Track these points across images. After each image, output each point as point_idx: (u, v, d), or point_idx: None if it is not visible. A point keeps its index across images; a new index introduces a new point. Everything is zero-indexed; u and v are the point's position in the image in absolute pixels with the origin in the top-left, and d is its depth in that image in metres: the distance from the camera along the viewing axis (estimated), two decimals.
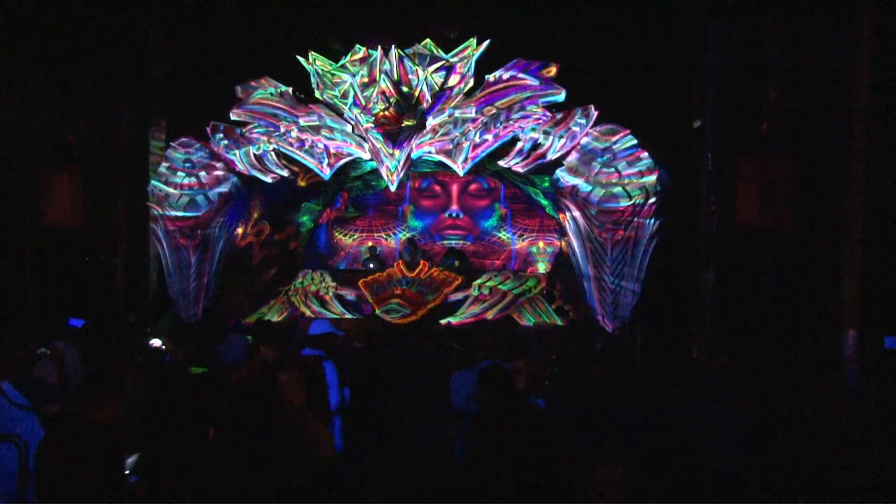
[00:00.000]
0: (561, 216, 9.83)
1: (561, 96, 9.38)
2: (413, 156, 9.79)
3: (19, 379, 4.52)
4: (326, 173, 10.15)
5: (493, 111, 9.49)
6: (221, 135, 10.26)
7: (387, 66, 9.35)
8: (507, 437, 3.67)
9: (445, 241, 14.05)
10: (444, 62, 9.44)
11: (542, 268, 13.35)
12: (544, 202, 11.73)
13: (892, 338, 6.43)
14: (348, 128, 9.84)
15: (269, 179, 10.36)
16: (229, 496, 3.64)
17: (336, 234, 14.36)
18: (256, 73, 10.24)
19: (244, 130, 10.19)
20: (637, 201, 9.09)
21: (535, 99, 9.42)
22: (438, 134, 9.66)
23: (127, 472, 3.91)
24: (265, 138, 10.09)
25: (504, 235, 14.01)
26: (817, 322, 8.68)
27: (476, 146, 9.57)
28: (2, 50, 9.71)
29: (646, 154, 9.18)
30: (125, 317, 10.60)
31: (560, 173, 9.46)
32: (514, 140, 9.52)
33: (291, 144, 10.05)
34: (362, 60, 9.61)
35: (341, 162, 10.13)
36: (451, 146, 9.64)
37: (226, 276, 10.73)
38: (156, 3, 10.61)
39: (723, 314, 9.35)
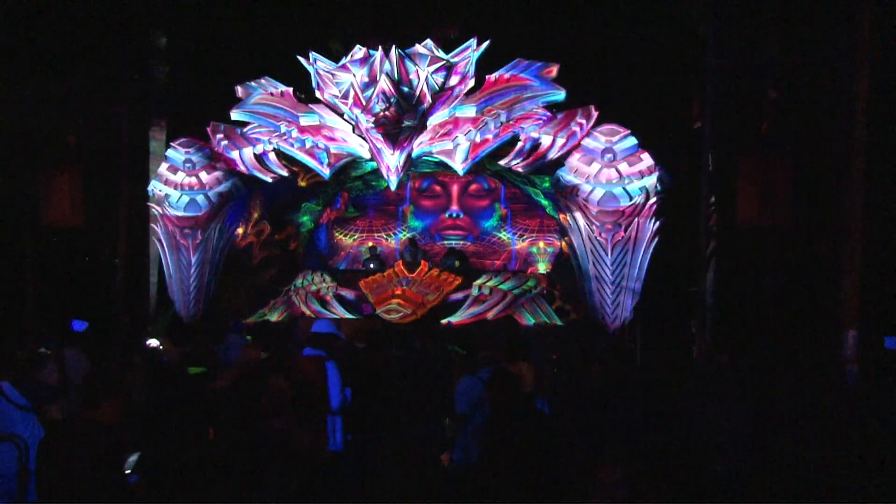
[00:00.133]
0: (561, 216, 9.82)
1: (561, 96, 9.37)
2: (413, 156, 9.78)
3: (19, 379, 4.52)
4: (326, 173, 10.14)
5: (494, 111, 9.49)
6: (221, 135, 10.25)
7: (387, 66, 9.35)
8: (517, 440, 3.67)
9: (445, 242, 14.05)
10: (444, 62, 9.43)
11: (542, 268, 13.34)
12: (544, 202, 11.72)
13: (892, 338, 6.42)
14: (348, 128, 9.83)
15: (269, 179, 10.36)
16: (228, 496, 3.65)
17: (336, 234, 14.35)
18: (256, 73, 10.24)
19: (244, 130, 10.19)
20: (637, 201, 9.09)
21: (535, 99, 9.42)
22: (439, 134, 9.65)
23: (127, 471, 3.91)
24: (265, 138, 10.09)
25: (504, 235, 14.01)
26: (817, 322, 8.67)
27: (476, 146, 9.57)
28: (2, 50, 9.71)
29: (646, 154, 9.18)
30: (124, 317, 10.60)
31: (560, 173, 9.45)
32: (515, 140, 9.51)
33: (291, 144, 10.05)
34: (362, 60, 9.60)
35: (341, 162, 10.12)
36: (451, 146, 9.64)
37: (226, 276, 10.73)
38: (156, 3, 10.61)
39: (723, 314, 9.35)
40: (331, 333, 5.68)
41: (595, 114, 9.32)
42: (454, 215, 14.09)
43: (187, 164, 10.24)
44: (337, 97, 9.75)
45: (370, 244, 13.64)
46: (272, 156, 10.15)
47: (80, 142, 10.47)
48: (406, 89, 9.42)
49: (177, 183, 10.25)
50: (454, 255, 13.24)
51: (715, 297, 9.44)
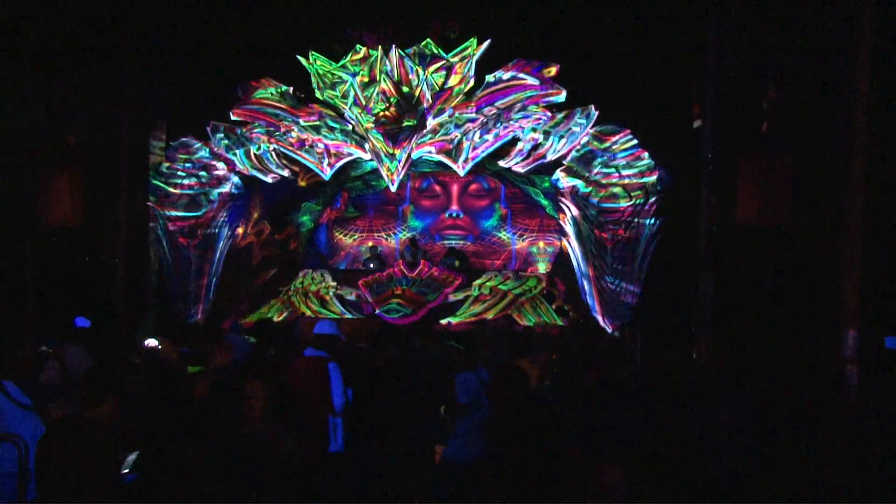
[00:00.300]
0: (561, 216, 9.83)
1: (561, 96, 9.38)
2: (413, 156, 9.79)
3: (22, 378, 4.53)
4: (326, 173, 10.15)
5: (494, 111, 9.49)
6: (221, 135, 10.26)
7: (387, 66, 9.35)
8: (524, 436, 3.68)
9: (445, 241, 14.05)
10: (444, 62, 9.44)
11: (542, 268, 13.35)
12: (544, 202, 11.73)
13: (893, 338, 6.42)
14: (348, 128, 9.83)
15: (269, 179, 10.36)
16: (227, 496, 3.64)
17: (336, 234, 14.35)
18: (256, 73, 10.23)
19: (244, 130, 10.19)
20: (637, 201, 9.09)
21: (535, 99, 9.42)
22: (439, 134, 9.66)
23: (126, 470, 3.91)
24: (265, 138, 10.09)
25: (504, 235, 14.01)
26: (817, 322, 8.66)
27: (476, 146, 9.57)
28: (2, 50, 9.70)
29: (646, 154, 9.18)
30: (124, 317, 10.59)
31: (560, 173, 9.46)
32: (515, 140, 9.52)
33: (292, 144, 10.05)
34: (362, 60, 9.61)
35: (341, 162, 10.13)
36: (451, 146, 9.64)
37: (226, 276, 10.73)
38: (156, 3, 10.60)
39: (723, 314, 9.34)
40: (333, 335, 5.68)
41: (595, 113, 9.33)
42: (454, 215, 14.09)
43: (187, 164, 10.25)
44: (337, 97, 9.75)
45: (370, 244, 13.64)
46: (272, 156, 10.16)
47: (80, 142, 10.45)
48: (406, 89, 9.43)
49: (177, 183, 10.26)
50: (454, 255, 13.24)
51: (715, 297, 9.43)
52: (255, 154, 10.14)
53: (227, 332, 8.58)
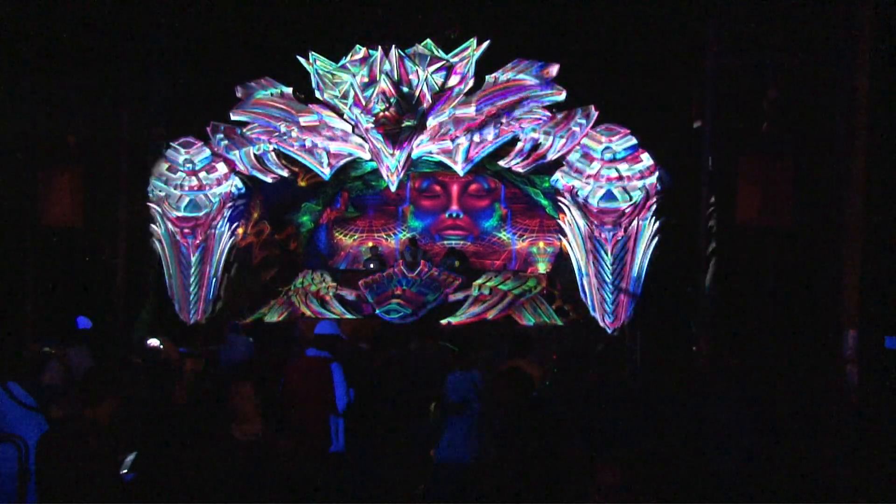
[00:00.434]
0: (561, 216, 9.82)
1: (561, 96, 9.37)
2: (413, 156, 9.78)
3: (25, 379, 4.53)
4: (326, 173, 10.14)
5: (494, 111, 9.49)
6: (221, 135, 10.25)
7: (387, 66, 9.35)
8: (529, 438, 3.68)
9: (445, 242, 14.05)
10: (444, 62, 9.43)
11: (542, 268, 13.35)
12: (544, 202, 11.73)
13: (893, 338, 6.42)
14: (348, 128, 9.83)
15: (269, 179, 10.36)
16: (227, 496, 3.64)
17: (336, 234, 14.35)
18: (256, 73, 10.23)
19: (244, 130, 10.18)
20: (637, 201, 9.09)
21: (535, 99, 9.42)
22: (438, 134, 9.65)
23: (125, 470, 3.91)
24: (265, 138, 10.09)
25: (504, 235, 14.01)
26: (817, 322, 8.67)
27: (476, 146, 9.57)
28: (2, 50, 9.69)
29: (646, 154, 9.18)
30: (124, 317, 10.59)
31: (560, 173, 9.45)
32: (515, 140, 9.51)
33: (291, 144, 10.05)
34: (362, 60, 9.60)
35: (341, 162, 10.12)
36: (451, 146, 9.64)
37: (226, 276, 10.72)
38: (156, 3, 10.60)
39: (723, 314, 9.34)
40: (334, 335, 5.69)
41: (595, 114, 9.33)
42: (454, 215, 14.09)
43: (187, 164, 10.24)
44: (337, 97, 9.75)
45: (370, 244, 13.64)
46: (272, 156, 10.15)
47: (80, 142, 10.45)
48: (406, 89, 9.42)
49: (177, 183, 10.25)
50: (454, 255, 13.24)
51: (715, 297, 9.43)
52: (254, 154, 10.13)
53: (227, 332, 8.58)
